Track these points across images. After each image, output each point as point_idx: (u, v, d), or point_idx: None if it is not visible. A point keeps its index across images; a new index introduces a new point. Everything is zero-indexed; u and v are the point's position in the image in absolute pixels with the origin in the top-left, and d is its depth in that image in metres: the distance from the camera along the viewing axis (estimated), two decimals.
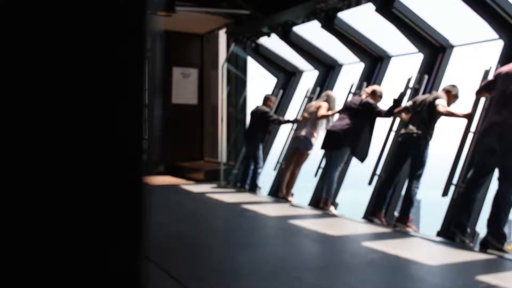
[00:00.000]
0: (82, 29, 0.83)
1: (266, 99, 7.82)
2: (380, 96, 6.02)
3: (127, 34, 0.87)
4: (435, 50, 6.10)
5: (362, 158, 5.90)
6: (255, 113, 7.71)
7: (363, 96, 6.05)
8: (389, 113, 5.75)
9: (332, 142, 6.06)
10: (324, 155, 6.67)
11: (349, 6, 6.43)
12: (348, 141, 5.89)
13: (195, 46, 10.46)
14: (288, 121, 7.63)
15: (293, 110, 8.40)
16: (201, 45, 10.52)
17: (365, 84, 6.84)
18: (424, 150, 5.16)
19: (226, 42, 9.82)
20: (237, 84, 9.82)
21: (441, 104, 5.05)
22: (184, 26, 9.63)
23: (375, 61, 7.08)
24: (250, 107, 8.40)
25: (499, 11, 5.12)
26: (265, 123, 7.57)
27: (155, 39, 0.92)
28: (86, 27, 0.83)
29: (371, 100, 5.89)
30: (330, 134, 6.13)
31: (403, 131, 5.40)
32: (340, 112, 6.34)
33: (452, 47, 6.06)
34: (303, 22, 7.41)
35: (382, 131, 6.25)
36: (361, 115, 5.89)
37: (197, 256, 3.68)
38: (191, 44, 10.39)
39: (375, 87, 6.11)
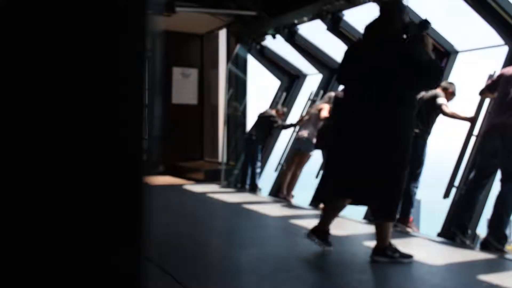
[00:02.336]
0: (82, 29, 0.83)
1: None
2: None
3: (127, 34, 0.86)
4: (440, 56, 6.06)
5: None
6: (262, 115, 7.83)
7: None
8: None
9: (325, 142, 6.03)
10: (322, 155, 6.66)
11: (354, 5, 6.42)
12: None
13: (195, 46, 10.45)
14: (290, 125, 7.69)
15: (296, 113, 8.43)
16: (201, 45, 10.51)
17: None
18: (422, 149, 5.07)
19: (226, 42, 9.81)
20: (238, 84, 9.82)
21: (444, 103, 5.01)
22: (184, 26, 9.62)
23: None
24: (250, 107, 8.43)
25: (505, 17, 5.09)
26: (269, 126, 7.67)
27: (155, 39, 0.92)
28: (86, 27, 0.83)
29: None
30: (321, 133, 6.12)
31: None
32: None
33: (456, 52, 6.04)
34: (309, 20, 7.38)
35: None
36: None
37: (197, 256, 3.67)
38: (191, 44, 10.38)
39: None
